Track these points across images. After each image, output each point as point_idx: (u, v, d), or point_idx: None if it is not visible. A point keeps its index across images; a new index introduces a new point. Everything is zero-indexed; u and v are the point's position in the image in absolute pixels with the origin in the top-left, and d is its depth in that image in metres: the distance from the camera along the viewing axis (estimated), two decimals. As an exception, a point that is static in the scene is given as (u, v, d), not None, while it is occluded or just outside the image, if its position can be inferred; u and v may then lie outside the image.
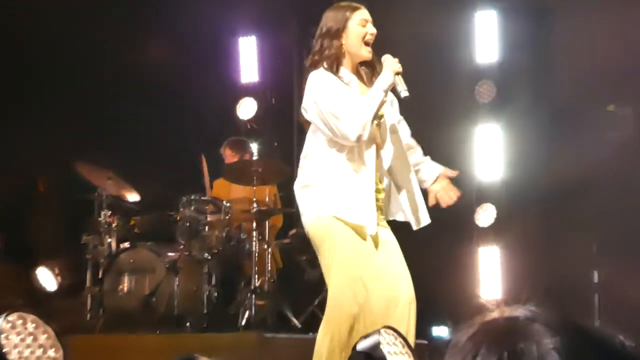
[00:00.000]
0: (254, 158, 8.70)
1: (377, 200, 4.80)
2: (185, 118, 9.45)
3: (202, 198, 8.00)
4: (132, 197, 8.28)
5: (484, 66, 9.15)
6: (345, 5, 4.92)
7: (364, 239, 4.71)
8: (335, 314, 4.65)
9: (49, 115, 8.99)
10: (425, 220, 5.01)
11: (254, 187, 7.79)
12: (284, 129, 9.47)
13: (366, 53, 4.86)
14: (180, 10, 9.45)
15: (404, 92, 4.76)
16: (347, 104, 4.67)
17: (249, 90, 9.93)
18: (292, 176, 8.00)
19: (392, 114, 5.00)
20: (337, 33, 4.80)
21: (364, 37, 4.83)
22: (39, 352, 3.32)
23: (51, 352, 3.34)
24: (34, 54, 9.18)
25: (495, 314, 1.51)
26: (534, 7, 9.26)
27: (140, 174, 8.45)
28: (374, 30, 4.85)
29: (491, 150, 9.07)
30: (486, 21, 9.12)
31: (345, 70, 4.85)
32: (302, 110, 4.84)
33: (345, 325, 4.60)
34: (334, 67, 4.82)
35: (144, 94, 9.41)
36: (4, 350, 3.20)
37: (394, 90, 4.82)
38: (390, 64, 4.77)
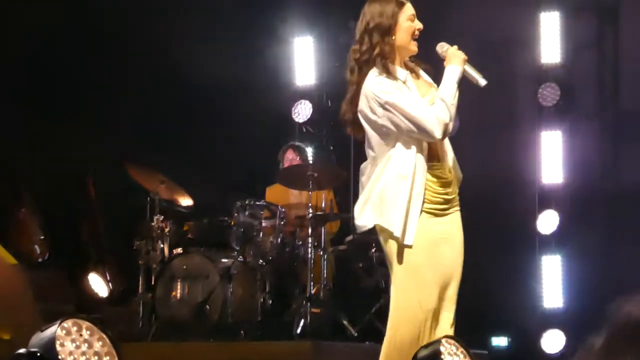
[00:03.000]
0: (310, 162, 8.59)
1: (447, 193, 4.70)
2: (240, 121, 9.37)
3: (257, 203, 7.90)
4: (186, 201, 8.20)
5: (547, 67, 9.01)
6: None
7: (434, 240, 4.63)
8: (399, 321, 4.56)
9: (101, 118, 8.96)
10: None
11: (310, 192, 7.69)
12: (340, 132, 9.31)
13: (414, 47, 4.81)
14: (235, 10, 9.37)
15: (481, 80, 4.74)
16: (420, 104, 4.63)
17: (304, 93, 9.82)
18: (348, 181, 7.93)
19: None
20: (389, 30, 4.73)
21: (413, 33, 4.76)
22: (94, 359, 3.34)
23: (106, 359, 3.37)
24: (89, 57, 9.14)
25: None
26: (599, 6, 9.08)
27: (194, 178, 8.37)
28: (420, 25, 4.80)
29: (554, 154, 8.91)
30: (550, 22, 8.99)
31: (397, 68, 4.77)
32: (362, 114, 4.70)
33: (408, 333, 4.50)
34: (386, 65, 4.72)
35: (198, 97, 9.35)
36: (59, 358, 3.21)
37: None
38: (456, 55, 4.74)
